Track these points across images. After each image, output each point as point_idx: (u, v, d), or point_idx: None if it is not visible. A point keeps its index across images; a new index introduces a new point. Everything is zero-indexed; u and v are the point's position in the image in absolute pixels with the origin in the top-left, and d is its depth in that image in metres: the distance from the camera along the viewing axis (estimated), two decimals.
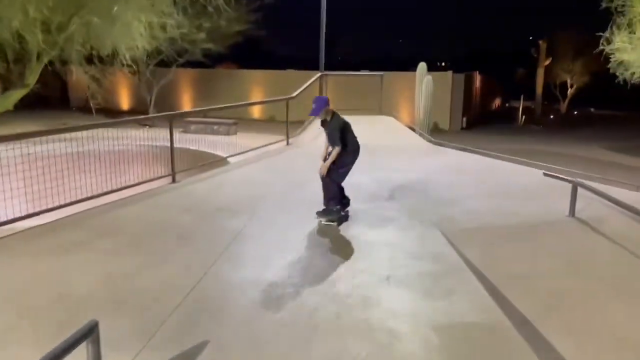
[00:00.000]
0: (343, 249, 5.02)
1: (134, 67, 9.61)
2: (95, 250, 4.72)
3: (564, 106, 38.39)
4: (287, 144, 10.96)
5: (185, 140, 11.48)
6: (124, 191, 6.71)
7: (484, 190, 7.44)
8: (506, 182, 8.03)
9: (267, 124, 22.52)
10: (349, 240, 5.26)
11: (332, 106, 5.74)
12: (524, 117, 28.90)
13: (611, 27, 12.21)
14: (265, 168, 8.73)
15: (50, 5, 8.15)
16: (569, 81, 37.74)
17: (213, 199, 6.64)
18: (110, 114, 25.08)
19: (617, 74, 12.60)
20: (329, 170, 5.72)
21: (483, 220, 6.06)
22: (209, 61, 22.59)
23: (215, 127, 18.45)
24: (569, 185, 6.20)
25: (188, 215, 5.89)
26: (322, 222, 5.77)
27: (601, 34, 12.46)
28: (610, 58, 12.39)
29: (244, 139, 13.01)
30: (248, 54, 31.54)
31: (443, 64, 65.92)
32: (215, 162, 9.22)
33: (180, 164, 7.90)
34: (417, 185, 7.57)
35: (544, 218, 6.14)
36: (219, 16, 20.58)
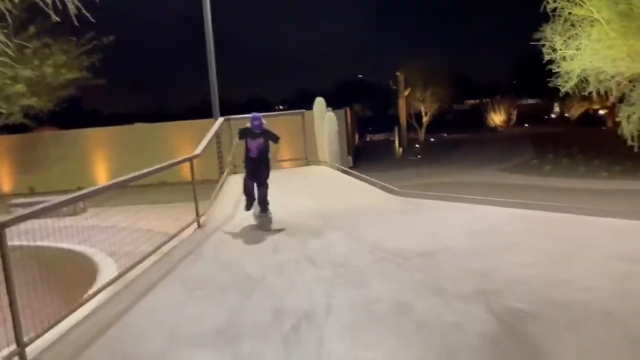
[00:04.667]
0: None
1: None
2: None
3: (421, 134, 38.84)
4: (199, 226, 6.97)
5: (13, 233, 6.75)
6: None
7: None
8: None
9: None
10: None
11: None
12: (401, 149, 27.80)
13: (551, 35, 10.62)
14: (180, 313, 4.68)
15: None
16: (422, 110, 38.37)
17: None
18: None
19: (560, 85, 10.95)
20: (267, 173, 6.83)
21: None
22: (33, 122, 17.28)
23: None
24: None
25: None
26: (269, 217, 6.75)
27: (539, 43, 10.84)
28: (554, 68, 10.74)
29: (101, 220, 8.56)
30: (69, 113, 25.81)
31: (281, 107, 64.84)
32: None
33: None
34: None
35: None
36: (42, 62, 15.63)
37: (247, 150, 6.82)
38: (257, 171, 6.78)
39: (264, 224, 6.69)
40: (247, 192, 6.87)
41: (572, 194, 13.95)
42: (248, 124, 6.78)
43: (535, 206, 6.87)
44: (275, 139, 6.84)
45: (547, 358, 3.07)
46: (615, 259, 4.63)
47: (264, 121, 6.74)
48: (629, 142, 10.46)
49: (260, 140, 6.75)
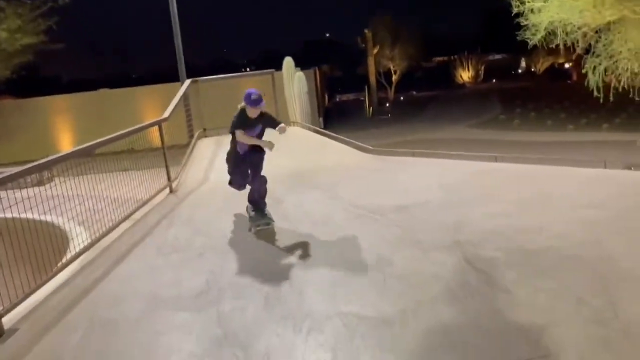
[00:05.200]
0: None
1: None
2: None
3: (391, 93, 38.77)
4: (171, 191, 6.87)
5: None
6: None
7: None
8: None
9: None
10: None
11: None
12: (371, 108, 27.73)
13: None
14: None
15: None
16: (392, 68, 38.17)
17: None
18: None
19: (528, 38, 10.97)
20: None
21: None
22: None
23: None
24: None
25: None
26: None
27: None
28: (522, 21, 10.73)
29: (69, 189, 8.22)
30: (27, 80, 24.73)
31: (248, 68, 63.63)
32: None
33: None
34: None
35: None
36: None
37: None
38: (256, 157, 4.98)
39: (261, 231, 4.96)
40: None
41: (541, 146, 14.27)
42: (242, 103, 4.67)
43: (506, 159, 7.01)
44: (275, 124, 4.81)
45: (521, 302, 3.16)
46: (584, 206, 4.77)
47: (259, 96, 4.64)
48: (595, 94, 10.61)
49: (259, 128, 4.86)
